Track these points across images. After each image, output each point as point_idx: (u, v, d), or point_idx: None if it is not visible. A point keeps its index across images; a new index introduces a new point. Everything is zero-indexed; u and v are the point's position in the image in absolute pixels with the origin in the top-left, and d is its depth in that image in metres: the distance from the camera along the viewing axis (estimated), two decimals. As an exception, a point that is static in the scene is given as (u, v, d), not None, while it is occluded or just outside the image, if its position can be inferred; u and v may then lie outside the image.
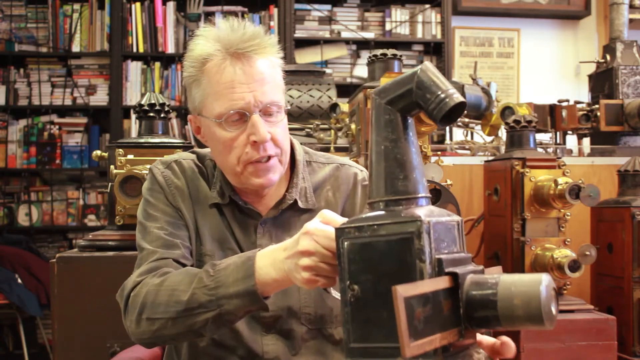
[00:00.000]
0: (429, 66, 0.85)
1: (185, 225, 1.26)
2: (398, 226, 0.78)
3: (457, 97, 0.80)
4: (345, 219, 0.91)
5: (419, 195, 0.83)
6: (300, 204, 1.28)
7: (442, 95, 0.80)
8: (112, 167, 1.96)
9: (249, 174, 1.20)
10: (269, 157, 1.19)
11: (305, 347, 1.25)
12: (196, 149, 1.39)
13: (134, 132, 3.99)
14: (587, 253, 2.01)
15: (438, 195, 1.84)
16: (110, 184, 1.95)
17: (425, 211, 0.80)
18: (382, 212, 0.82)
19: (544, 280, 0.74)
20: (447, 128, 3.35)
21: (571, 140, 3.25)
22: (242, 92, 1.16)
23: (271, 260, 1.04)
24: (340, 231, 0.83)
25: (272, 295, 1.16)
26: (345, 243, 0.82)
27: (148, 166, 1.94)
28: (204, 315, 1.07)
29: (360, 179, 1.34)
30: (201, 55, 1.19)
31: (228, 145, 1.19)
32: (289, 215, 1.28)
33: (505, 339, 0.89)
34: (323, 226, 0.99)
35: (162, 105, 2.09)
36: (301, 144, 1.37)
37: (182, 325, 1.09)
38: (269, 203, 1.28)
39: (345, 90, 4.12)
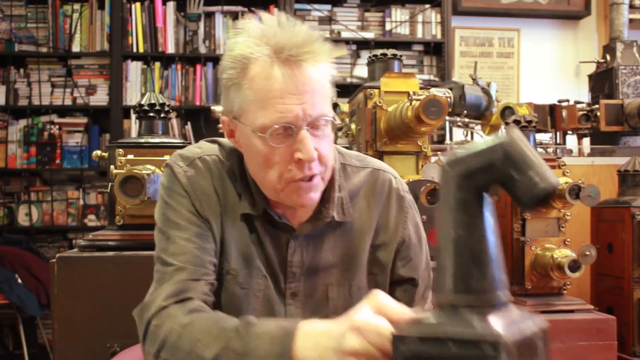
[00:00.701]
0: (517, 135, 0.70)
1: (212, 238, 1.13)
2: (472, 346, 0.65)
3: (553, 181, 0.68)
4: (399, 309, 0.82)
5: (497, 296, 0.69)
6: (336, 217, 1.16)
7: (535, 178, 0.67)
8: (112, 167, 1.96)
9: (290, 192, 1.08)
10: (312, 176, 1.07)
11: None
12: (219, 140, 1.24)
13: (134, 132, 3.99)
14: (587, 253, 2.01)
15: (438, 195, 1.84)
16: (110, 184, 1.95)
17: (505, 321, 0.67)
18: (452, 319, 0.69)
19: None
20: (447, 128, 3.35)
21: (571, 140, 3.25)
22: (290, 103, 1.03)
23: (313, 343, 0.90)
24: (398, 339, 0.71)
25: (300, 316, 1.13)
26: (405, 354, 0.69)
27: (148, 166, 1.94)
28: None
29: (395, 187, 1.24)
30: (244, 55, 1.06)
31: (269, 160, 1.06)
32: (323, 230, 1.17)
33: None
34: (374, 320, 0.85)
35: (162, 105, 2.09)
36: None
37: None
38: (302, 216, 1.17)
39: (345, 90, 4.11)
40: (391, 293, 1.22)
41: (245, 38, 1.07)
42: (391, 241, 1.21)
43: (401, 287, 1.24)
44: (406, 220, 1.23)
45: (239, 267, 1.14)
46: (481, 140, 0.71)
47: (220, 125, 2.57)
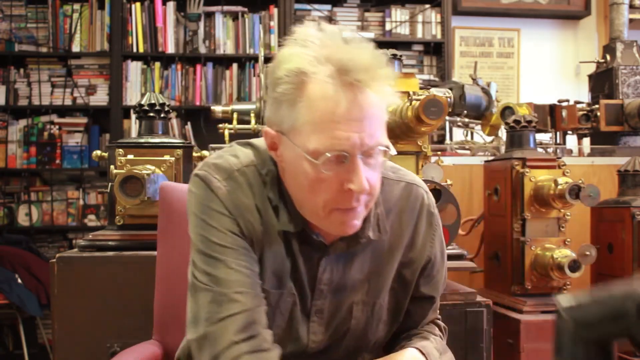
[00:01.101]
0: None
1: (255, 259, 1.07)
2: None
3: None
4: None
5: None
6: (372, 235, 1.11)
7: None
8: (112, 167, 1.96)
9: (333, 219, 1.02)
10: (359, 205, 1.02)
11: None
12: (252, 142, 1.14)
13: (134, 132, 3.99)
14: (587, 253, 2.01)
15: (438, 195, 1.84)
16: (110, 184, 1.94)
17: None
18: None
19: None
20: (447, 128, 3.35)
21: (571, 140, 3.25)
22: (348, 130, 0.95)
23: None
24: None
25: (322, 334, 1.13)
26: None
27: (148, 166, 1.94)
28: None
29: (427, 204, 1.19)
30: (303, 71, 0.97)
31: (316, 186, 0.99)
32: (355, 248, 1.12)
33: None
34: None
35: (162, 105, 2.09)
36: None
37: None
38: (335, 234, 1.11)
39: (345, 90, 4.11)
40: (410, 307, 1.22)
41: (304, 50, 0.99)
42: (418, 259, 1.18)
43: (419, 302, 1.23)
44: (434, 239, 1.20)
45: (269, 287, 1.09)
46: (605, 288, 0.58)
47: (221, 126, 2.57)
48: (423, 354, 1.14)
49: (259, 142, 1.13)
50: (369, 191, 1.00)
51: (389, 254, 1.15)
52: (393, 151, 1.02)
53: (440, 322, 1.28)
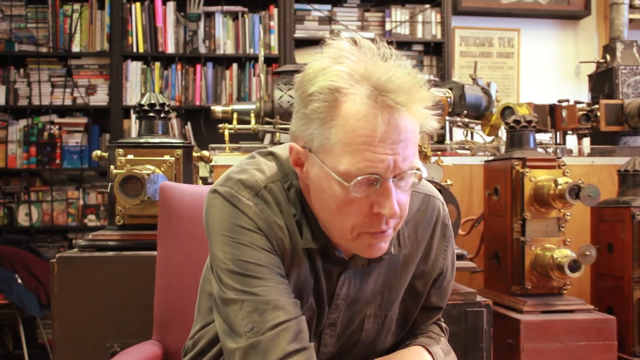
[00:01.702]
0: None
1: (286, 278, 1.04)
2: None
3: None
4: None
5: None
6: (392, 250, 1.08)
7: None
8: (112, 167, 1.96)
9: (361, 242, 0.99)
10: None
11: None
12: (275, 152, 1.09)
13: (134, 132, 3.99)
14: (587, 253, 2.01)
15: (438, 195, 1.84)
16: (110, 184, 1.94)
17: None
18: None
19: None
20: (447, 128, 3.35)
21: (571, 140, 3.25)
22: (383, 153, 0.92)
23: None
24: None
25: (333, 346, 1.12)
26: None
27: (148, 166, 1.94)
28: None
29: (442, 216, 1.17)
30: (338, 89, 0.93)
31: (345, 208, 0.96)
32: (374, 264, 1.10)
33: None
34: None
35: (162, 105, 2.09)
36: None
37: None
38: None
39: (345, 90, 4.11)
40: (417, 314, 1.22)
41: (340, 67, 0.94)
42: (430, 271, 1.17)
43: (427, 312, 1.22)
44: (447, 251, 1.19)
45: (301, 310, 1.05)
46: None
47: (221, 126, 2.57)
48: (429, 352, 1.14)
49: (281, 151, 1.09)
50: (399, 215, 0.97)
51: (404, 267, 1.14)
52: (425, 173, 0.99)
53: (442, 323, 1.29)
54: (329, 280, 1.08)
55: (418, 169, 0.97)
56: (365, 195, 0.94)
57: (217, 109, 2.69)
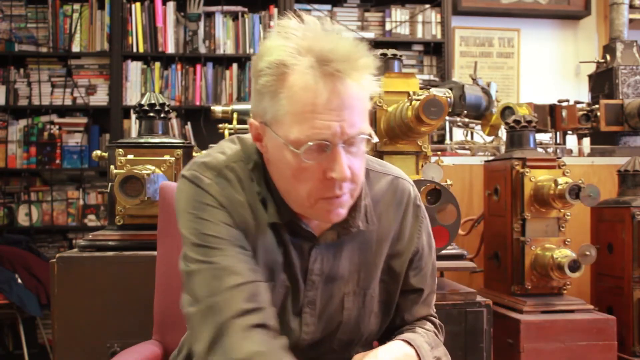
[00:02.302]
0: None
1: (250, 252, 1.08)
2: None
3: None
4: None
5: None
6: (361, 226, 1.13)
7: None
8: (112, 167, 1.96)
9: (318, 208, 1.03)
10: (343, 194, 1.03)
11: None
12: (241, 136, 1.17)
13: (134, 132, 3.99)
14: (587, 253, 2.01)
15: (438, 195, 1.84)
16: (110, 184, 1.95)
17: None
18: None
19: None
20: (447, 128, 3.35)
21: (571, 140, 3.25)
22: (329, 120, 0.97)
23: None
24: None
25: (314, 325, 1.13)
26: None
27: (148, 166, 1.94)
28: None
29: (413, 196, 1.22)
30: (283, 62, 0.99)
31: (299, 175, 1.01)
32: (343, 238, 1.14)
33: None
34: None
35: (162, 105, 2.09)
36: None
37: None
38: (324, 224, 1.12)
39: (345, 90, 4.11)
40: (399, 300, 1.23)
41: (286, 42, 1.00)
42: (406, 251, 1.20)
43: (408, 295, 1.24)
44: (421, 230, 1.22)
45: (262, 279, 1.08)
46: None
47: (221, 126, 2.57)
48: (411, 345, 1.14)
49: (247, 135, 1.14)
50: (351, 179, 1.01)
51: (378, 245, 1.17)
52: (375, 139, 1.04)
53: (435, 319, 1.29)
54: (300, 256, 1.12)
55: (370, 135, 1.02)
56: (318, 162, 0.99)
57: (217, 109, 2.69)
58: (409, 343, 1.15)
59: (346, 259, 1.15)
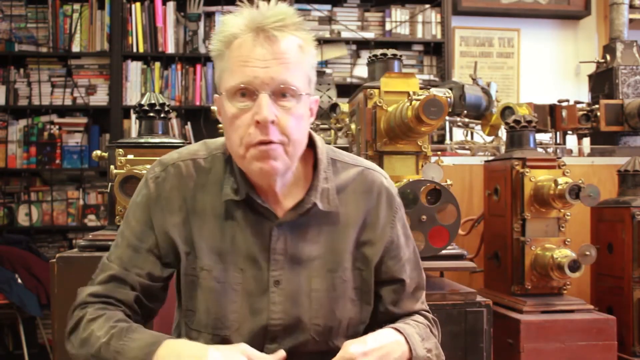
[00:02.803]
0: None
1: (159, 248, 1.19)
2: None
3: None
4: None
5: None
6: (320, 205, 1.17)
7: None
8: (112, 167, 1.96)
9: (251, 157, 1.09)
10: (271, 142, 1.08)
11: (310, 359, 1.19)
12: (207, 140, 1.27)
13: (134, 132, 3.99)
14: (587, 253, 2.01)
15: (438, 195, 1.84)
16: (110, 184, 1.95)
17: None
18: None
19: None
20: (447, 128, 3.35)
21: (571, 140, 3.25)
22: (254, 66, 1.07)
23: (176, 354, 1.05)
24: None
25: (283, 305, 1.15)
26: None
27: (148, 166, 1.94)
28: None
29: (386, 187, 1.25)
30: (228, 31, 1.12)
31: (232, 122, 1.10)
32: (307, 219, 1.18)
33: None
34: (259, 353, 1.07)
35: (162, 105, 2.09)
36: None
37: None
38: (287, 205, 1.18)
39: (346, 90, 4.12)
40: (381, 292, 1.25)
41: (232, 18, 1.13)
42: (379, 239, 1.22)
43: (390, 286, 1.25)
44: (395, 220, 1.25)
45: (212, 262, 1.16)
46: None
47: (220, 125, 2.58)
48: (401, 333, 1.16)
49: (215, 139, 1.26)
50: (282, 130, 1.08)
51: (344, 230, 1.20)
52: (304, 90, 1.12)
53: (428, 314, 1.30)
54: (260, 236, 1.17)
55: (296, 87, 1.09)
56: (248, 109, 1.08)
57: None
58: (399, 331, 1.17)
59: (311, 241, 1.19)
